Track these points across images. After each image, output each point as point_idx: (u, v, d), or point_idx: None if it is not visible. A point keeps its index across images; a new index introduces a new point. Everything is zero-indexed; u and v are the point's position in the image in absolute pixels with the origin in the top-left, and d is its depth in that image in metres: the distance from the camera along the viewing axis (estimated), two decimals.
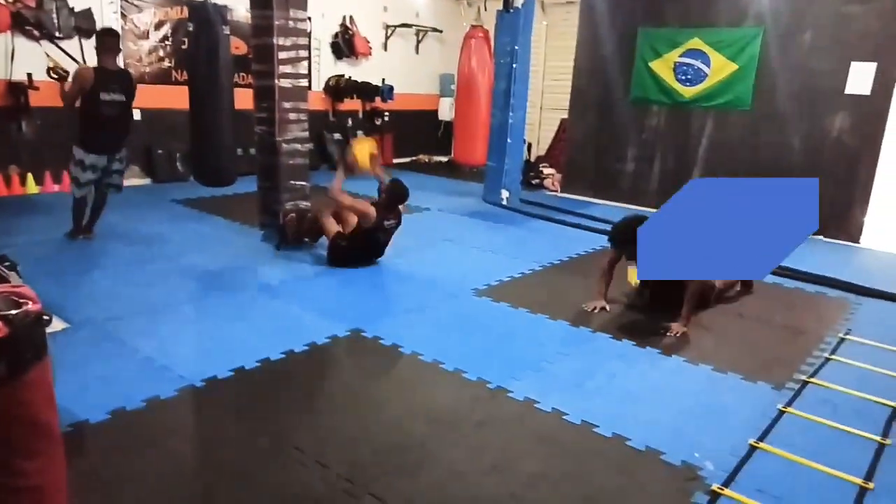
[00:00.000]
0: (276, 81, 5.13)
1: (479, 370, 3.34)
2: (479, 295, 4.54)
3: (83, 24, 7.12)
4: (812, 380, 3.44)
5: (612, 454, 2.70)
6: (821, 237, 6.86)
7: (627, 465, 2.62)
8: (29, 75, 6.78)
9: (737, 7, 7.07)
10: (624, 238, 4.08)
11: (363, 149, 5.02)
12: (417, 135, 11.04)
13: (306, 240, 5.49)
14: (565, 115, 9.32)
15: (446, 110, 11.16)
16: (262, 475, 2.43)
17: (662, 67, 7.65)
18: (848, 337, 4.08)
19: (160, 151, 7.99)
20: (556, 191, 8.88)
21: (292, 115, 5.31)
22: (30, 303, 1.29)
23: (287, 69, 5.17)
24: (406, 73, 10.63)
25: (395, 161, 10.84)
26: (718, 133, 7.43)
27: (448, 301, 4.42)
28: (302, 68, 5.28)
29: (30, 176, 7.02)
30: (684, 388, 3.33)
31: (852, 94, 6.52)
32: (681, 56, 7.49)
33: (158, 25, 7.79)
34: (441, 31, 10.86)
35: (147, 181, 7.98)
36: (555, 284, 4.92)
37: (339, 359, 3.55)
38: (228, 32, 4.83)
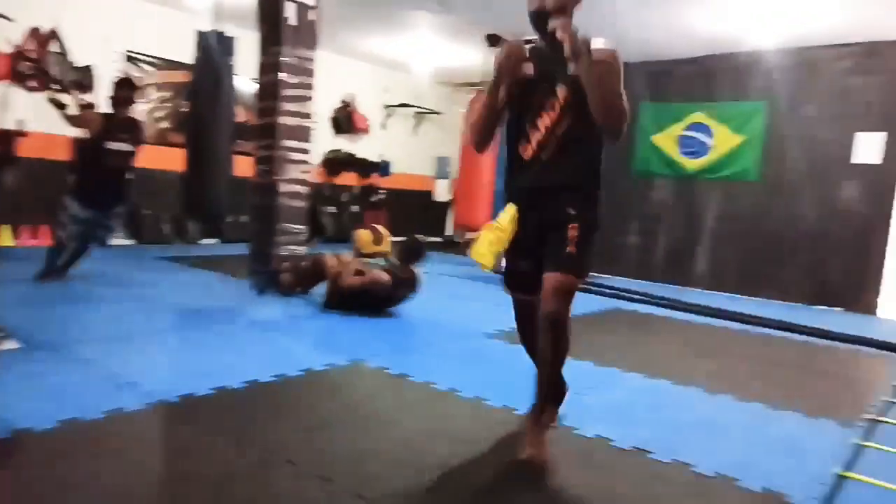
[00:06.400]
0: (279, 118, 4.93)
1: (503, 399, 2.88)
2: (493, 338, 4.11)
3: (83, 80, 7.03)
4: (883, 419, 3.01)
5: (677, 479, 2.22)
6: (838, 308, 6.55)
7: (700, 491, 2.14)
8: (19, 122, 6.55)
9: (738, 81, 7.16)
10: None
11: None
12: (413, 214, 10.88)
13: (299, 289, 5.09)
14: None
15: (442, 192, 11.09)
16: (247, 487, 1.92)
17: (666, 141, 7.64)
18: None
19: (147, 212, 7.68)
20: None
21: (294, 155, 5.07)
22: None
23: (291, 107, 5.00)
24: (403, 153, 10.63)
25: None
26: (727, 205, 7.29)
27: (458, 341, 3.98)
28: (307, 108, 5.11)
29: (5, 228, 6.62)
30: (741, 422, 2.88)
31: (860, 163, 6.46)
32: (684, 130, 7.50)
33: (160, 87, 7.74)
34: (440, 114, 11.01)
35: (131, 242, 7.60)
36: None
37: (340, 383, 3.06)
38: (232, 64, 4.67)
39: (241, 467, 2.05)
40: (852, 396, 3.43)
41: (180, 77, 7.71)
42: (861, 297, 6.49)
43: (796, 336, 4.94)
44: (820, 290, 6.73)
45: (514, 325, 2.61)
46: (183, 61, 7.03)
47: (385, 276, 4.57)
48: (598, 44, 2.18)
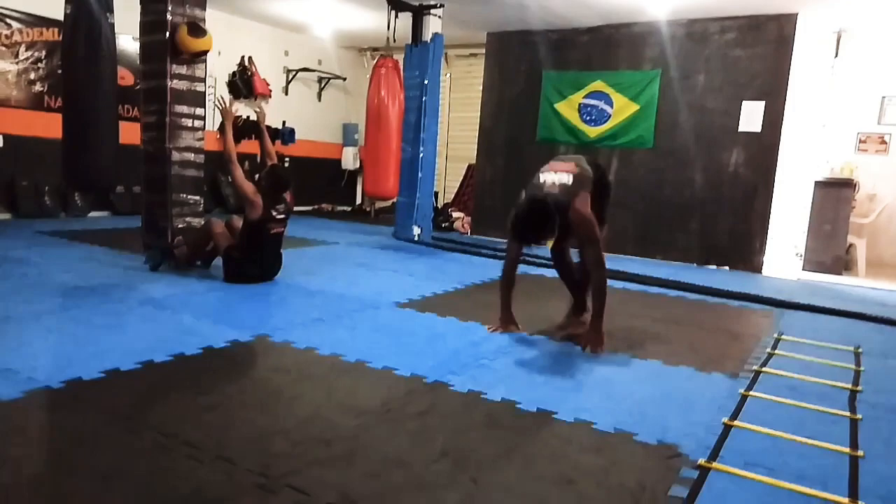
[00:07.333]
0: (169, 82, 4.60)
1: (412, 368, 2.87)
2: (402, 307, 4.09)
3: None
4: (764, 369, 3.25)
5: (580, 437, 2.29)
6: (726, 268, 7.01)
7: (600, 447, 2.22)
8: None
9: (635, 51, 7.39)
10: (529, 224, 3.55)
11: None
12: (320, 183, 10.61)
13: (198, 263, 4.85)
14: (471, 162, 9.29)
15: (350, 160, 10.85)
16: (140, 474, 1.81)
17: (567, 108, 7.80)
18: (783, 337, 3.98)
19: (25, 183, 7.05)
20: (467, 233, 8.68)
21: (186, 122, 4.77)
22: None
23: (182, 70, 4.68)
24: (308, 121, 10.27)
25: (297, 209, 10.28)
26: (624, 171, 7.57)
27: (367, 311, 3.93)
28: (199, 71, 4.81)
29: None
30: (638, 379, 3.02)
31: (746, 131, 6.87)
32: (585, 97, 7.67)
33: (30, 46, 7.04)
34: (345, 80, 10.70)
35: (7, 216, 6.97)
36: (481, 299, 4.54)
37: (243, 360, 2.96)
38: (113, 22, 4.28)
39: (135, 453, 1.93)
40: (739, 349, 3.68)
41: (54, 35, 7.05)
42: (748, 257, 6.96)
43: (690, 295, 5.24)
44: (711, 251, 7.16)
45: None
46: (56, 18, 6.42)
47: (258, 199, 4.30)
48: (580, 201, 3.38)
